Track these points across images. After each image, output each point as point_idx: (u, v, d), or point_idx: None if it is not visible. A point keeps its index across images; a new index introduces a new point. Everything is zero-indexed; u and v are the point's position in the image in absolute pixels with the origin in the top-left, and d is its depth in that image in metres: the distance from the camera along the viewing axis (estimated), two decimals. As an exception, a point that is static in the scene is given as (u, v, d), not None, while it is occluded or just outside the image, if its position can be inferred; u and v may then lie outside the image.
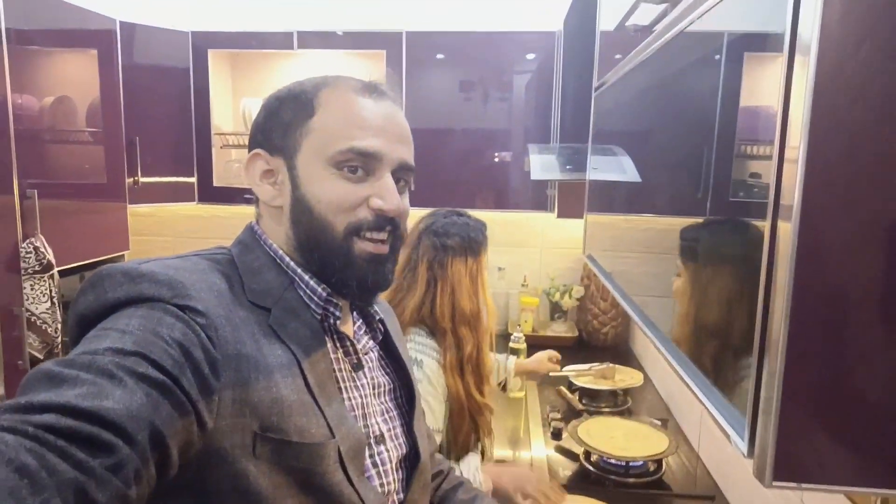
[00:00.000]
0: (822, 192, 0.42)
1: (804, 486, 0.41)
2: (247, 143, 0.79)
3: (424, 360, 1.33)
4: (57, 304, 1.93)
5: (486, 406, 1.38)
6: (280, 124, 0.72)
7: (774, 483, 0.41)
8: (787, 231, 0.43)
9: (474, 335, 1.35)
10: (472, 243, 1.37)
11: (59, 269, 1.94)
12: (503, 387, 1.86)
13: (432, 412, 1.31)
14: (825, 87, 0.42)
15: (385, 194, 0.70)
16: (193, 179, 2.53)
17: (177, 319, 0.59)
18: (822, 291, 0.42)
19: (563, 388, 2.01)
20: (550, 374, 2.04)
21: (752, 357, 0.47)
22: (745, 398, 0.47)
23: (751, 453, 0.44)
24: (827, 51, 0.41)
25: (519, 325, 2.47)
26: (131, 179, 2.37)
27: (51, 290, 1.91)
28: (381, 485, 0.74)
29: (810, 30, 0.42)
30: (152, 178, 2.43)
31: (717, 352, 0.60)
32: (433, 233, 1.37)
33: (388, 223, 0.71)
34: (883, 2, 0.41)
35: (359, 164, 0.69)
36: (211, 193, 2.52)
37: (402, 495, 0.77)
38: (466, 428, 1.35)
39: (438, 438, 1.32)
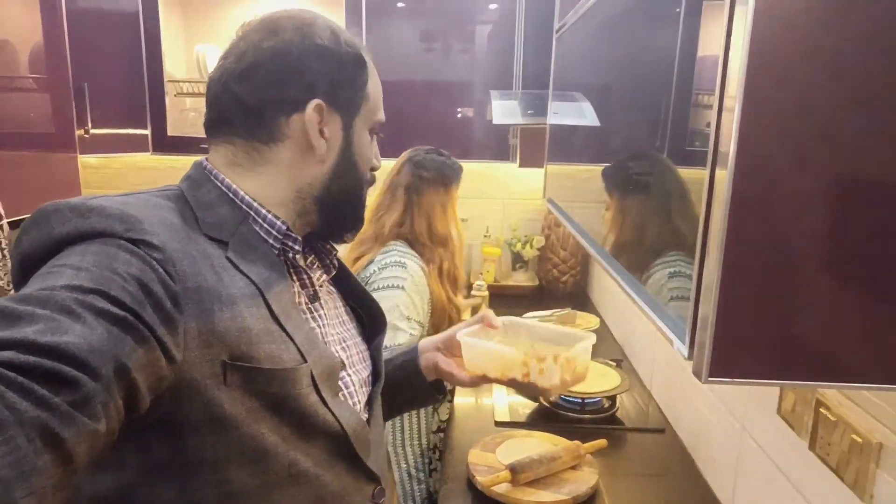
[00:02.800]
0: (754, 141, 0.45)
1: (737, 381, 0.45)
2: (203, 90, 0.78)
3: (407, 262, 1.60)
4: (7, 257, 1.88)
5: (461, 309, 1.72)
6: (349, 81, 0.74)
7: (710, 379, 0.45)
8: (723, 178, 0.46)
9: (447, 253, 1.67)
10: (445, 178, 1.65)
11: (9, 220, 1.88)
12: None
13: (415, 306, 1.60)
14: (762, 37, 0.43)
15: (378, 155, 0.83)
16: (147, 131, 2.45)
17: (132, 255, 0.58)
18: (752, 228, 0.46)
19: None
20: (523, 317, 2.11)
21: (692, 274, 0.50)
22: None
23: (690, 355, 0.48)
24: (764, 3, 0.43)
25: (481, 274, 2.51)
26: (81, 130, 2.28)
27: (0, 242, 1.85)
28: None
29: None
30: (104, 129, 2.34)
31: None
32: (414, 164, 1.66)
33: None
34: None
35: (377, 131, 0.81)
36: (165, 143, 2.45)
37: (367, 414, 0.81)
38: (444, 328, 1.62)
39: (418, 331, 1.61)
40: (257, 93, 0.71)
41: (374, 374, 0.86)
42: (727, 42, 0.46)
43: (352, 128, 0.76)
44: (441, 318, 1.65)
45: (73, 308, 0.51)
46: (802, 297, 0.46)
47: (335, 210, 0.78)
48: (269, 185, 0.74)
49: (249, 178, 0.74)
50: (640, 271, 0.67)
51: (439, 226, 1.62)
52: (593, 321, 2.14)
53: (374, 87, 0.78)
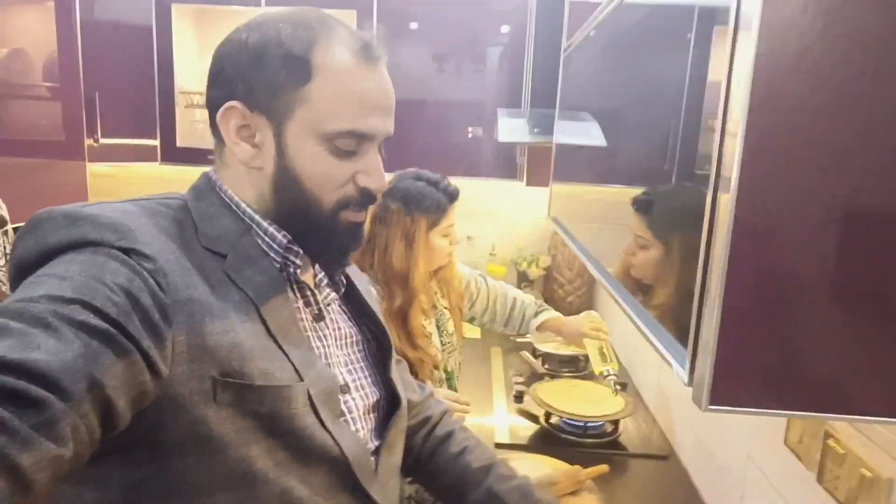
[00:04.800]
0: (757, 166, 0.44)
1: (738, 410, 0.43)
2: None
3: None
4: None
5: (418, 360, 1.42)
6: (269, 82, 0.66)
7: (710, 407, 0.43)
8: (726, 201, 0.45)
9: (402, 293, 1.39)
10: (414, 208, 1.40)
11: (14, 226, 1.89)
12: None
13: None
14: (765, 64, 0.43)
15: (374, 173, 0.70)
16: (156, 142, 2.46)
17: (122, 264, 0.57)
18: (755, 254, 0.45)
19: (527, 353, 2.04)
20: (516, 339, 2.06)
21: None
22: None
23: (690, 381, 0.46)
24: (769, 28, 0.43)
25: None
26: (91, 139, 2.29)
27: (4, 247, 1.86)
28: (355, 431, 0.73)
29: (753, 5, 0.43)
30: (113, 139, 2.35)
31: (669, 300, 0.62)
32: (387, 192, 1.41)
33: (372, 199, 0.72)
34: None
35: (353, 144, 0.68)
36: (174, 154, 2.46)
37: (377, 441, 0.77)
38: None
39: None
40: (207, 93, 0.71)
41: (391, 401, 0.81)
42: (730, 67, 0.46)
43: (283, 134, 0.67)
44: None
45: (49, 320, 0.50)
46: (807, 324, 0.45)
47: (296, 228, 0.71)
48: (240, 186, 0.71)
49: (228, 176, 0.72)
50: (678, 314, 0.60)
51: (396, 261, 1.38)
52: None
53: (328, 89, 0.66)
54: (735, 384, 0.44)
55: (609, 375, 1.57)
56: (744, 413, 0.43)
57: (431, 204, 1.41)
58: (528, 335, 1.73)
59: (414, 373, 1.42)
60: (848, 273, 0.44)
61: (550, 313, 1.71)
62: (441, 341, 1.53)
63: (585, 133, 1.24)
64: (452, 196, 1.45)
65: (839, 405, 0.44)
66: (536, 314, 1.70)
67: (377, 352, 0.83)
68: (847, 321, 0.44)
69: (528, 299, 1.73)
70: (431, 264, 1.45)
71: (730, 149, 0.45)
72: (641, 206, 0.81)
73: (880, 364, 0.44)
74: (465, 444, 0.95)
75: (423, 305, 1.45)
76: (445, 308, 1.57)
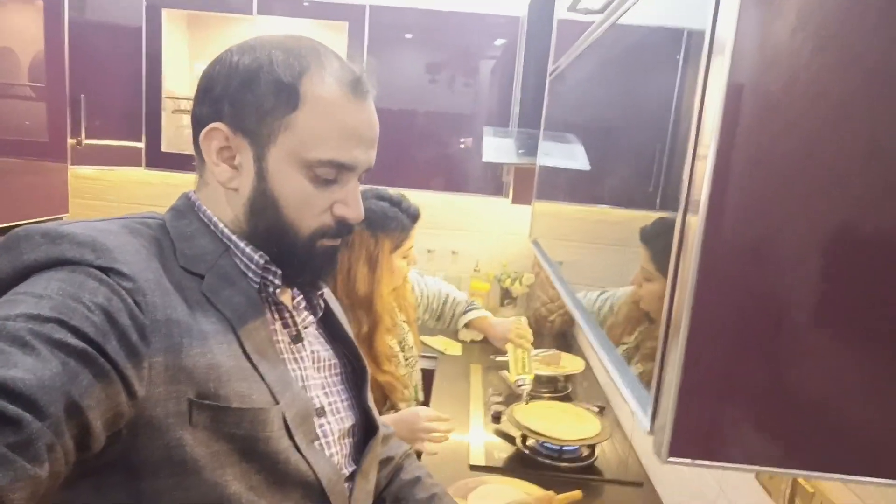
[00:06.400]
0: (727, 190, 0.43)
1: (697, 462, 0.42)
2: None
3: None
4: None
5: (389, 384, 1.40)
6: (256, 106, 0.66)
7: (669, 459, 0.42)
8: (695, 224, 0.44)
9: (368, 318, 1.37)
10: (378, 230, 1.36)
11: (-10, 227, 1.86)
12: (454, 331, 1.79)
13: None
14: (737, 89, 0.43)
15: (352, 203, 0.70)
16: (141, 144, 2.44)
17: (100, 283, 0.57)
18: (723, 284, 0.44)
19: (507, 373, 2.02)
20: (497, 358, 2.05)
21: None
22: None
23: (653, 429, 0.45)
24: (742, 54, 0.42)
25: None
26: (74, 140, 2.27)
27: (-21, 249, 1.82)
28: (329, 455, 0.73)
29: (727, 32, 0.43)
30: (97, 140, 2.33)
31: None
32: None
33: (349, 229, 0.72)
34: (801, 12, 0.42)
35: (333, 173, 0.69)
36: (159, 159, 2.44)
37: (351, 466, 0.77)
38: (375, 396, 1.35)
39: None
40: (193, 111, 0.71)
41: (366, 427, 0.81)
42: (703, 89, 0.45)
43: (264, 159, 0.67)
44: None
45: (27, 339, 0.49)
46: (782, 369, 0.43)
47: (270, 251, 0.70)
48: (218, 206, 0.71)
49: (208, 196, 0.72)
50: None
51: (360, 286, 1.34)
52: (579, 364, 2.10)
53: (313, 118, 0.66)
54: (699, 434, 0.42)
55: (524, 385, 1.60)
56: (708, 467, 0.42)
57: (396, 226, 1.38)
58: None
59: (386, 396, 1.42)
60: (827, 306, 0.43)
61: (479, 312, 1.73)
62: (403, 356, 1.52)
63: (569, 155, 1.24)
64: (415, 217, 1.43)
65: (811, 461, 0.43)
66: (465, 312, 1.72)
67: (353, 376, 0.83)
68: (825, 369, 0.43)
69: (459, 297, 1.75)
70: (391, 286, 1.43)
71: (700, 171, 0.44)
72: (645, 236, 0.80)
73: (856, 417, 0.43)
74: (433, 490, 0.94)
75: (387, 325, 1.43)
76: (404, 322, 1.57)
